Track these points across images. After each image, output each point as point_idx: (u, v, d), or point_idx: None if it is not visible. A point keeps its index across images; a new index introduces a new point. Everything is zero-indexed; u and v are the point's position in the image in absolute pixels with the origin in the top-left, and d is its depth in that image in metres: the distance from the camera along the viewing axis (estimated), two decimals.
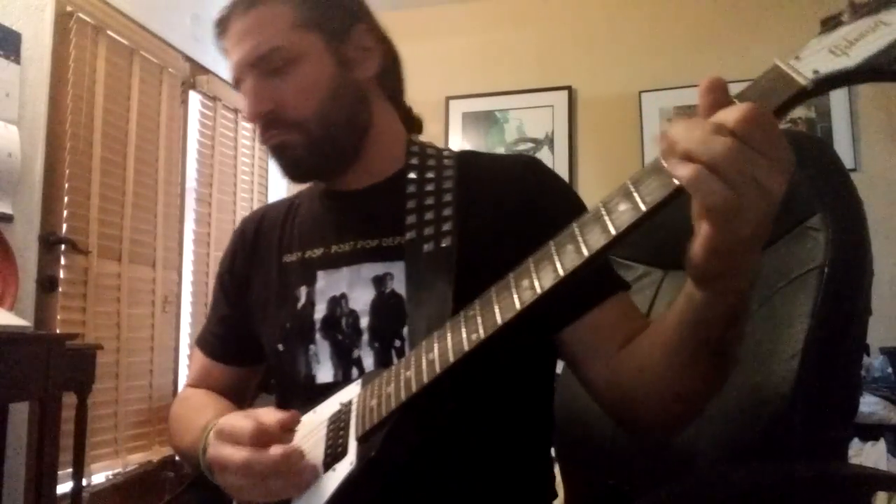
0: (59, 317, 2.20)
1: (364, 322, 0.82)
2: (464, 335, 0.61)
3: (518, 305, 0.57)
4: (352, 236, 0.86)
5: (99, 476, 2.34)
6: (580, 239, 0.53)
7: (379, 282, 0.82)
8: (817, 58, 0.46)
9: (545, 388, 0.88)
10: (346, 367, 0.82)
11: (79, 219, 2.30)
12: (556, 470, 1.10)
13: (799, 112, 3.00)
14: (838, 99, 2.93)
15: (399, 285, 0.81)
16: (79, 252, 2.27)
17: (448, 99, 3.40)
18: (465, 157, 0.90)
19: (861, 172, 2.85)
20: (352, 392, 0.75)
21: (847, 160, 2.85)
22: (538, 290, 0.55)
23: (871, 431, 2.22)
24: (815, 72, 0.45)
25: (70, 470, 2.01)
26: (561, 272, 0.54)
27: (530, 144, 3.35)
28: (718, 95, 0.49)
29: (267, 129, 0.83)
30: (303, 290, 0.87)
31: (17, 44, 2.09)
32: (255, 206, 3.38)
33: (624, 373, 0.72)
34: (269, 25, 0.81)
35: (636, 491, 0.87)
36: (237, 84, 0.85)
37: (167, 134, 2.74)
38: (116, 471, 2.41)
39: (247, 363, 0.98)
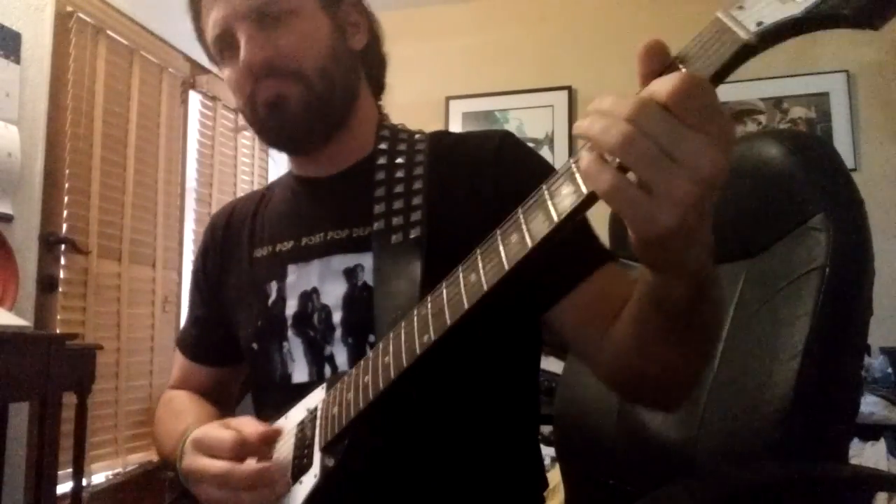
0: (59, 317, 2.20)
1: (337, 317, 0.79)
2: (415, 336, 0.58)
3: (466, 304, 0.54)
4: (322, 227, 0.83)
5: (99, 476, 2.34)
6: (524, 227, 0.49)
7: (350, 274, 0.79)
8: (762, 6, 0.40)
9: (524, 383, 0.85)
10: (319, 364, 0.80)
11: (79, 219, 2.30)
12: (557, 471, 1.10)
13: (799, 112, 3.00)
14: (838, 99, 2.93)
15: (370, 277, 0.78)
16: (79, 252, 2.27)
17: (448, 99, 3.40)
18: (437, 138, 0.86)
19: (861, 172, 2.85)
20: (317, 397, 0.73)
21: (847, 160, 2.84)
22: (485, 287, 0.52)
23: (871, 431, 2.21)
24: (759, 23, 0.40)
25: (70, 470, 2.01)
26: (506, 265, 0.50)
27: (530, 144, 3.34)
28: (656, 62, 0.44)
29: (263, 80, 0.77)
30: (273, 286, 0.84)
31: (17, 44, 2.09)
32: None
33: (612, 347, 0.69)
34: None
35: (636, 491, 0.87)
36: (220, 43, 0.80)
37: (167, 134, 2.74)
38: (116, 471, 2.41)
39: (226, 363, 0.96)
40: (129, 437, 2.50)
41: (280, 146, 0.85)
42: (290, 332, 0.82)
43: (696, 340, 0.60)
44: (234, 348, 0.92)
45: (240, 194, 3.22)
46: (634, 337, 0.63)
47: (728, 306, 0.86)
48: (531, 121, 3.34)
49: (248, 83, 0.78)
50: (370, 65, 0.88)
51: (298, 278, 0.83)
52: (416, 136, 0.87)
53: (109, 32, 2.44)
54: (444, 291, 0.57)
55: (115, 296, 2.45)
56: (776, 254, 0.83)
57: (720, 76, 0.42)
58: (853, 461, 2.02)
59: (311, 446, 0.70)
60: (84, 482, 2.13)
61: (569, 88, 3.30)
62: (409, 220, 0.77)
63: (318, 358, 0.80)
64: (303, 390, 0.77)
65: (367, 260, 0.79)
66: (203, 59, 2.95)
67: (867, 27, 0.38)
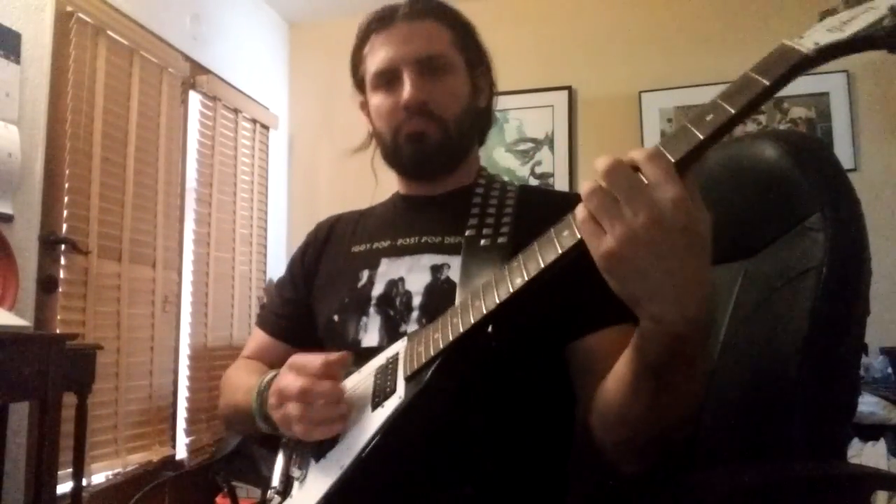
0: (59, 317, 2.20)
1: (417, 301, 0.89)
2: (508, 280, 0.66)
3: (559, 249, 0.61)
4: (418, 232, 0.96)
5: (99, 476, 2.34)
6: None
7: (436, 269, 0.91)
8: (817, 35, 0.55)
9: (566, 399, 0.91)
10: (392, 339, 0.87)
11: (79, 219, 2.30)
12: None
13: (799, 112, 3.00)
14: (838, 99, 2.94)
15: (454, 273, 0.88)
16: (79, 252, 2.27)
17: None
18: (527, 188, 1.01)
19: (861, 172, 2.85)
20: (397, 347, 0.80)
21: (847, 160, 2.84)
22: (578, 235, 0.60)
23: (871, 431, 2.22)
24: (816, 43, 0.54)
25: (70, 470, 2.01)
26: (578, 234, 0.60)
27: (530, 144, 3.35)
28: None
29: (413, 117, 0.94)
30: (365, 272, 0.96)
31: (17, 44, 2.09)
32: (256, 206, 3.38)
33: (596, 396, 0.75)
34: (436, 37, 0.96)
35: (636, 491, 0.87)
36: (383, 75, 0.96)
37: (167, 134, 2.74)
38: (116, 471, 2.41)
39: (301, 344, 1.04)
40: (129, 437, 2.50)
41: (408, 171, 1.01)
42: (371, 309, 0.92)
43: (667, 402, 0.65)
44: (310, 333, 1.02)
45: (240, 194, 3.24)
46: (613, 383, 0.70)
47: (725, 310, 0.86)
48: (531, 121, 3.34)
49: (399, 116, 0.95)
50: (483, 120, 1.05)
51: (388, 269, 0.95)
52: (509, 185, 1.02)
53: (109, 32, 2.44)
54: (536, 245, 0.65)
55: (115, 296, 2.45)
56: (773, 253, 0.83)
57: (785, 79, 0.54)
58: (853, 461, 2.02)
59: (393, 378, 0.76)
60: (84, 482, 2.12)
61: (569, 88, 3.30)
62: (498, 231, 0.89)
63: (392, 333, 0.89)
64: (370, 353, 0.84)
65: (454, 261, 0.89)
66: (203, 59, 2.97)
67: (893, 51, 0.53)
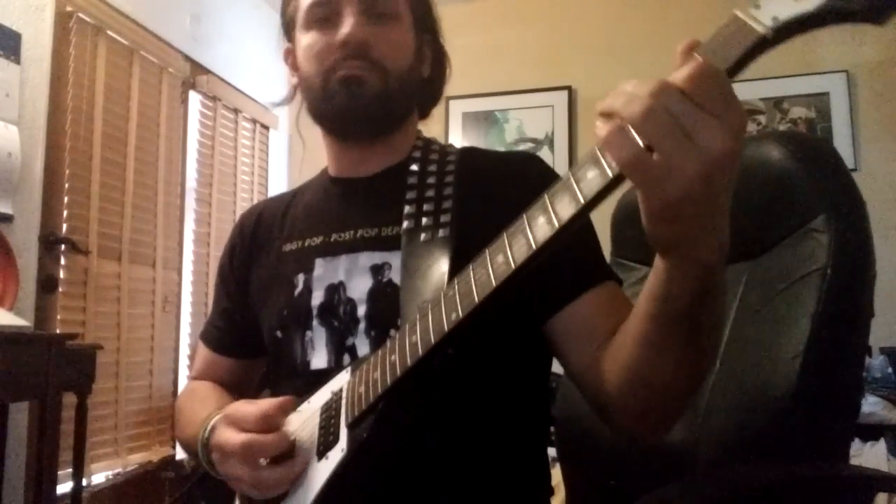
0: (59, 317, 2.20)
1: (361, 310, 0.82)
2: (443, 315, 0.61)
3: (494, 282, 0.56)
4: (352, 225, 0.87)
5: (99, 476, 2.34)
6: (551, 210, 0.52)
7: (377, 270, 0.83)
8: (776, 3, 0.44)
9: (539, 379, 0.87)
10: (339, 353, 0.83)
11: (79, 219, 2.30)
12: (558, 470, 1.10)
13: (799, 112, 3.00)
14: (838, 99, 2.94)
15: (396, 275, 0.81)
16: (79, 252, 2.27)
17: (448, 99, 3.40)
18: (468, 152, 0.92)
19: (861, 172, 2.85)
20: (342, 380, 0.76)
21: (847, 160, 2.84)
22: (512, 265, 0.54)
23: (871, 431, 2.22)
24: (775, 18, 0.43)
25: (70, 470, 2.01)
26: (533, 245, 0.53)
27: (530, 144, 3.35)
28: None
29: (351, 59, 0.83)
30: (300, 277, 0.88)
31: (17, 44, 2.09)
32: None
33: (605, 362, 0.69)
34: None
35: (637, 491, 0.87)
36: (318, 9, 0.86)
37: (167, 134, 2.74)
38: (116, 471, 2.41)
39: (248, 355, 1.00)
40: (129, 437, 2.50)
41: (339, 123, 0.89)
42: (314, 322, 0.85)
43: (697, 349, 0.60)
44: (256, 341, 0.95)
45: (240, 194, 3.23)
46: (634, 343, 0.63)
47: (729, 310, 0.86)
48: (531, 121, 3.34)
49: (334, 56, 0.84)
50: (424, 93, 0.95)
51: (326, 272, 0.86)
52: (448, 148, 0.93)
53: (109, 32, 2.44)
54: (472, 272, 0.59)
55: (115, 296, 2.45)
56: (778, 255, 0.83)
57: (737, 68, 0.45)
58: (853, 461, 2.02)
59: (336, 424, 0.72)
60: (84, 482, 2.12)
61: (569, 88, 3.30)
62: (439, 220, 0.81)
63: (339, 347, 0.83)
64: (321, 376, 0.80)
65: (393, 258, 0.82)
66: (203, 59, 2.97)
67: (875, 22, 0.42)
